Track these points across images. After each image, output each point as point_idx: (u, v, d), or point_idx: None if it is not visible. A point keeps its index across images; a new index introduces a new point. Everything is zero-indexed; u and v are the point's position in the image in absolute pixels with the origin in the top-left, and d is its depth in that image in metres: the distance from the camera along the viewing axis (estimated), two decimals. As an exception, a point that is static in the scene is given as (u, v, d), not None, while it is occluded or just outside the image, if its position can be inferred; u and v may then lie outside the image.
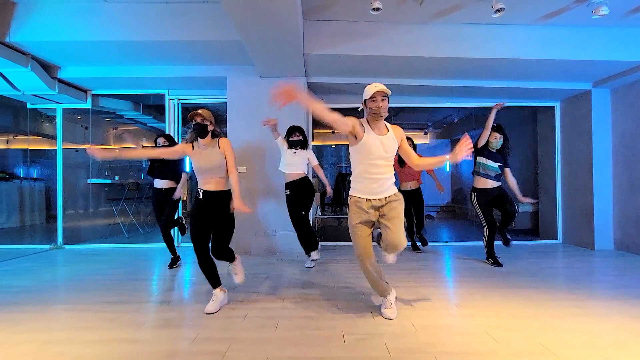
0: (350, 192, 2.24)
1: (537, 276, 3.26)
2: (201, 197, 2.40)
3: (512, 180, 3.65)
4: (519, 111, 5.79)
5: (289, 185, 3.61)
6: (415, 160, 2.25)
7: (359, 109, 2.28)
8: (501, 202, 3.62)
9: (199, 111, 2.37)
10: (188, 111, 6.93)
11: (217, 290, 2.44)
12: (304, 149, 3.65)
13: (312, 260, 3.61)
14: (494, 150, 3.58)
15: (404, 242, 2.17)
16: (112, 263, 3.93)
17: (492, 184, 3.57)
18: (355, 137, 2.12)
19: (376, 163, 2.12)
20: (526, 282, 3.05)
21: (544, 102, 5.21)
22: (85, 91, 4.95)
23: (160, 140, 3.64)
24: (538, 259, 4.01)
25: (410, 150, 2.25)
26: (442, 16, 3.63)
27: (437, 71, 4.26)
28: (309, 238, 3.59)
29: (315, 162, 3.72)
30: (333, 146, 9.29)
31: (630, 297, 2.64)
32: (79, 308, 2.45)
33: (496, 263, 3.58)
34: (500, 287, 2.91)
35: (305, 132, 3.90)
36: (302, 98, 1.81)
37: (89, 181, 5.68)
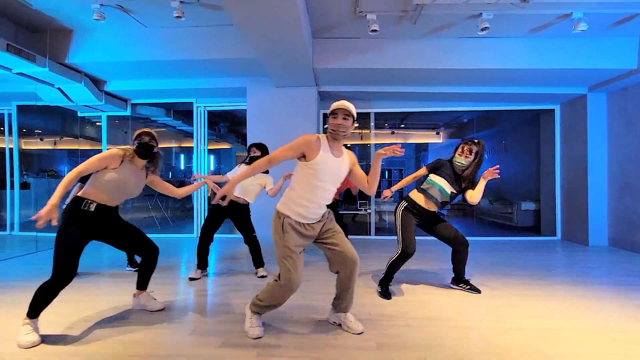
0: (285, 212, 1.90)
1: (522, 267, 3.62)
2: (93, 210, 2.04)
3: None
4: (523, 113, 6.04)
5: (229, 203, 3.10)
6: (367, 184, 1.99)
7: (325, 127, 1.98)
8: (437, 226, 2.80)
9: (148, 130, 2.19)
10: (214, 116, 7.64)
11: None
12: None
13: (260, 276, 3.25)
14: (458, 172, 2.64)
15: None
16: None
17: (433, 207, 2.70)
18: (305, 155, 1.85)
19: (325, 187, 1.89)
20: (505, 270, 3.44)
21: (545, 105, 5.46)
22: (125, 100, 5.68)
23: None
24: (527, 253, 4.34)
25: (362, 173, 2.02)
26: (436, 32, 4.02)
27: (437, 80, 4.64)
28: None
29: (270, 186, 3.18)
30: (348, 145, 9.76)
31: (590, 283, 3.00)
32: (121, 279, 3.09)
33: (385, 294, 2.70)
34: (486, 274, 3.31)
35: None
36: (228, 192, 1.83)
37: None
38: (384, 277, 2.76)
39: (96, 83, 5.01)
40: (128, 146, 2.20)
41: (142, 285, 2.41)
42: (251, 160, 3.18)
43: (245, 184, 3.16)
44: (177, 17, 3.62)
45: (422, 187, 2.71)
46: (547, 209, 5.66)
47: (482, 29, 3.44)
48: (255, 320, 2.04)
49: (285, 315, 2.27)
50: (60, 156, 8.97)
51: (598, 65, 4.12)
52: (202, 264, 3.27)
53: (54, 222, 1.82)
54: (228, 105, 5.67)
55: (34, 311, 1.93)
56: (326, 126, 1.93)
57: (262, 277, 3.24)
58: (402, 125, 9.10)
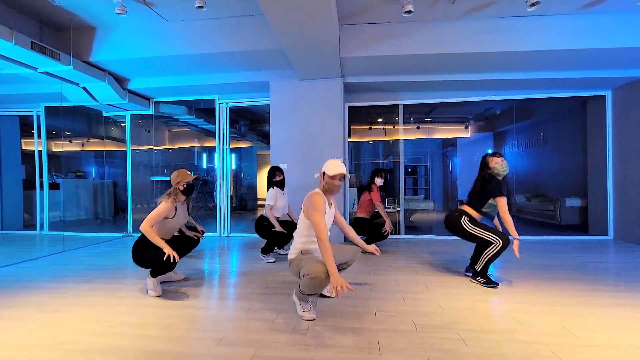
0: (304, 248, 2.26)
1: (578, 269, 3.24)
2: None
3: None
4: (566, 102, 5.54)
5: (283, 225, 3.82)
6: (343, 228, 2.49)
7: (315, 177, 2.33)
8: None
9: (188, 172, 2.77)
10: (234, 114, 7.55)
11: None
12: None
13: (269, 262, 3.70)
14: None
15: None
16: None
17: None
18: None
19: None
20: (565, 274, 3.07)
21: (594, 91, 4.96)
22: (148, 99, 5.64)
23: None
24: (580, 254, 3.92)
25: (341, 218, 2.49)
26: (476, 12, 3.67)
27: (475, 65, 4.27)
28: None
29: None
30: (370, 142, 9.43)
31: (676, 291, 2.58)
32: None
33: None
34: (536, 278, 2.96)
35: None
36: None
37: (151, 178, 6.43)
38: (481, 270, 2.84)
39: (119, 81, 4.97)
40: (170, 190, 2.75)
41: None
42: (276, 184, 3.78)
43: (283, 204, 3.85)
44: (199, 7, 3.47)
45: (483, 210, 2.88)
46: (597, 206, 5.15)
47: (532, 4, 3.08)
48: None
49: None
50: (88, 157, 9.18)
51: (661, 42, 3.64)
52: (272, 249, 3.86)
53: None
54: (250, 101, 5.51)
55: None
56: (324, 183, 2.25)
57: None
58: (428, 119, 8.68)
